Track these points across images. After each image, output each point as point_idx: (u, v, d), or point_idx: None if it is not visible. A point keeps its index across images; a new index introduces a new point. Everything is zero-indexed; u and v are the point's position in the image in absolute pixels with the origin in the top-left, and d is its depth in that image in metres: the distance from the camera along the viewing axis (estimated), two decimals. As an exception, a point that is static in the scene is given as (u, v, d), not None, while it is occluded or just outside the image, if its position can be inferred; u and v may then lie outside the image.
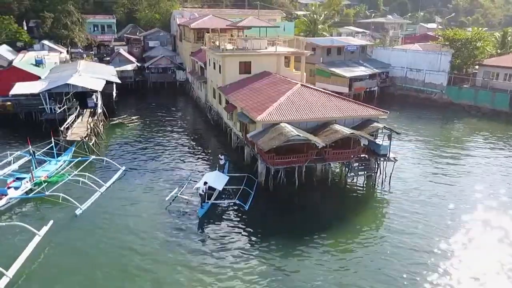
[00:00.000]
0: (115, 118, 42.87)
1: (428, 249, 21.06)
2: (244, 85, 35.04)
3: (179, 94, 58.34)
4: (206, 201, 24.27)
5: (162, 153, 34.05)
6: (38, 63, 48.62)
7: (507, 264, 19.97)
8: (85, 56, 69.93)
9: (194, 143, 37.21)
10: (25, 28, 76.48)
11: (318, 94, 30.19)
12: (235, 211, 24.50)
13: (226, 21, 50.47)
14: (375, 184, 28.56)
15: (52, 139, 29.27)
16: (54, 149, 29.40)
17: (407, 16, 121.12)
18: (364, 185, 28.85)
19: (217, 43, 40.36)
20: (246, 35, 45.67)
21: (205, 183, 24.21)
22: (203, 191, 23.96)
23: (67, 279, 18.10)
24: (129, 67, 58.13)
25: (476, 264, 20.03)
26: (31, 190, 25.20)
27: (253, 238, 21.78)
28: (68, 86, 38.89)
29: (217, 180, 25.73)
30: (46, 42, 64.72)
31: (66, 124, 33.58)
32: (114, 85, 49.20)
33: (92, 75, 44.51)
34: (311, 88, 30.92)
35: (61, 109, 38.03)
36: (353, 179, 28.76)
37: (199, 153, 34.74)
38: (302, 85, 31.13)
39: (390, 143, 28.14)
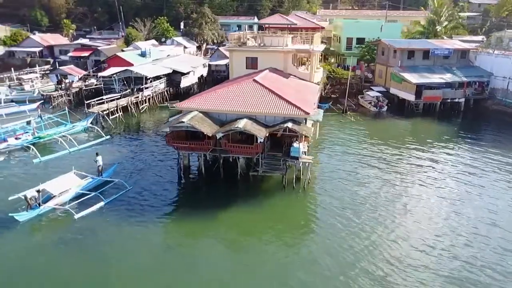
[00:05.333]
0: (166, 102, 50.14)
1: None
2: (233, 80, 37.06)
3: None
4: (38, 205, 23.01)
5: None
6: (143, 54, 60.16)
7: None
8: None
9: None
10: (182, 27, 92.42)
11: (261, 91, 29.97)
12: (66, 219, 22.86)
13: (285, 20, 51.66)
14: (284, 186, 27.30)
15: (66, 109, 38.12)
16: (68, 116, 38.13)
17: None
18: (275, 184, 27.90)
19: (242, 40, 42.71)
20: (270, 32, 46.22)
21: (38, 191, 23.15)
22: (33, 196, 22.85)
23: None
24: (222, 62, 64.80)
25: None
26: (29, 141, 34.24)
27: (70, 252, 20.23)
28: (131, 72, 48.29)
29: (62, 183, 24.37)
30: (178, 38, 77.71)
31: (99, 100, 42.18)
32: (194, 74, 57.01)
33: (168, 65, 53.17)
34: (261, 85, 30.62)
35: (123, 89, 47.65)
36: (257, 175, 27.83)
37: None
38: (254, 80, 31.44)
39: (299, 146, 26.52)
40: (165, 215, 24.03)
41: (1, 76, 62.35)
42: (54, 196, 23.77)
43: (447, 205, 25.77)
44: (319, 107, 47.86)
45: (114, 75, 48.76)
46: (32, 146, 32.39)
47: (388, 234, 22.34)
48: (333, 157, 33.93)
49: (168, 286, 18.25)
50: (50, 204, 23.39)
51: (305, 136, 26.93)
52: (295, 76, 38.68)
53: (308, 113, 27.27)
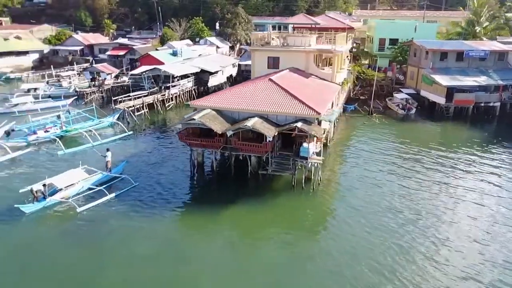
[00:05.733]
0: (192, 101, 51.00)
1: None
2: (253, 80, 37.26)
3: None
4: (44, 198, 23.82)
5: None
6: (174, 53, 61.63)
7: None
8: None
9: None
10: (217, 27, 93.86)
11: (276, 90, 29.94)
12: (71, 212, 23.43)
13: (308, 20, 51.28)
14: (293, 186, 27.14)
15: (93, 105, 39.77)
16: (95, 112, 39.76)
17: None
18: (284, 184, 27.74)
19: (266, 39, 42.80)
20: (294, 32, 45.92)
21: (44, 185, 23.94)
22: (38, 189, 23.79)
23: None
24: (250, 62, 65.21)
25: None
26: (57, 134, 35.99)
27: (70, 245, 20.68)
28: (159, 70, 49.66)
29: (69, 178, 25.02)
30: (212, 38, 78.94)
31: (125, 97, 43.62)
32: (223, 74, 57.71)
33: (196, 65, 54.25)
34: (276, 84, 30.58)
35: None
36: (266, 174, 27.69)
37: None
38: (269, 79, 31.50)
39: (308, 146, 26.27)
40: (171, 210, 24.37)
41: (43, 73, 66.05)
42: (60, 190, 24.46)
43: (467, 211, 24.64)
44: (344, 108, 47.52)
45: (144, 73, 50.26)
46: (58, 139, 34.01)
47: (398, 238, 21.60)
48: (350, 158, 33.34)
49: (168, 277, 18.50)
50: (56, 197, 24.09)
51: (317, 137, 26.63)
52: (316, 76, 38.32)
53: (319, 113, 26.98)
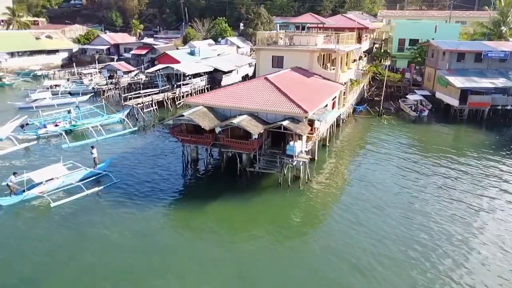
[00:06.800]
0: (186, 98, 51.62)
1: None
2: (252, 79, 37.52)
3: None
4: (22, 191, 24.34)
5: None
6: (192, 52, 62.72)
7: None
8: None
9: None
10: (241, 27, 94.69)
11: (269, 89, 29.94)
12: (47, 206, 23.74)
13: (315, 19, 50.86)
14: (280, 184, 27.11)
15: (103, 101, 41.11)
16: (104, 108, 41.16)
17: None
18: (272, 182, 27.71)
19: (274, 39, 42.92)
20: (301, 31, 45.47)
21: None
22: (11, 181, 24.18)
23: None
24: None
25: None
26: (65, 129, 37.53)
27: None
28: (172, 69, 50.78)
29: (48, 173, 25.26)
30: (233, 38, 79.71)
31: (135, 95, 44.94)
32: (238, 73, 58.28)
33: (210, 64, 55.09)
34: (271, 83, 30.63)
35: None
36: (254, 171, 27.76)
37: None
38: (265, 78, 31.62)
39: (295, 144, 26.18)
40: (154, 205, 24.41)
41: (69, 70, 68.92)
42: (39, 184, 24.86)
43: (470, 217, 23.76)
44: (354, 109, 46.88)
45: (157, 71, 51.50)
46: (63, 133, 35.46)
47: (382, 237, 21.15)
48: (348, 158, 33.06)
49: (145, 267, 18.81)
50: (34, 192, 24.48)
51: (303, 135, 26.51)
52: (319, 75, 38.03)
53: (306, 112, 26.83)
